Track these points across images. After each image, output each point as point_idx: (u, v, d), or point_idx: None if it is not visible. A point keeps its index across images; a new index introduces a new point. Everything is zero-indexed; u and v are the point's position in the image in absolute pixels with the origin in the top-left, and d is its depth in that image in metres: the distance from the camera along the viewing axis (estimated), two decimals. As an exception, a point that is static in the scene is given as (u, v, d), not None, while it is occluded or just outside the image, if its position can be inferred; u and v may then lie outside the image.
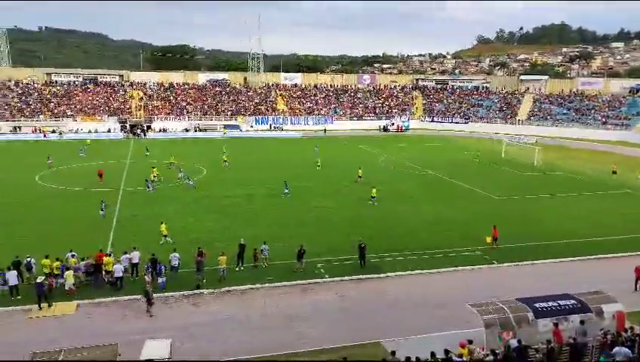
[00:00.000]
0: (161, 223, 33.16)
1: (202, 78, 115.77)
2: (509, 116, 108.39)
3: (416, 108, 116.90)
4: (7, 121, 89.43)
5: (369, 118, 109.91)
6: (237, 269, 27.95)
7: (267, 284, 26.41)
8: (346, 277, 27.55)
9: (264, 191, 47.00)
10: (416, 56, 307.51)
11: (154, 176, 49.37)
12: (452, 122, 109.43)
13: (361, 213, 40.16)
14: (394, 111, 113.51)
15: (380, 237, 33.68)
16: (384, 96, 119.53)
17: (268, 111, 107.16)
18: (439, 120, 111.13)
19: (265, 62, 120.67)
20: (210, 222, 37.47)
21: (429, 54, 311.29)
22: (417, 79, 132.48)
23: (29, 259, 26.08)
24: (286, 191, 45.19)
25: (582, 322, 18.89)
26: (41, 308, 23.08)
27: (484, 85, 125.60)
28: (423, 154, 72.17)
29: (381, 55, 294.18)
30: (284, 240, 32.42)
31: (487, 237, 32.54)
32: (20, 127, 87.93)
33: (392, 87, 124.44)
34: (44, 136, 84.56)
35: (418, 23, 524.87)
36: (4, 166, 56.81)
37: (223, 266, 26.87)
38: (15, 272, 24.41)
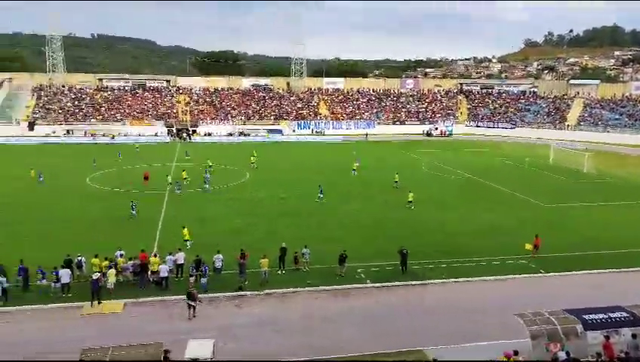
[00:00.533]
0: (183, 228, 33.34)
1: (246, 83, 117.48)
2: (557, 121, 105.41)
3: (461, 112, 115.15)
4: (60, 124, 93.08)
5: (412, 123, 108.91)
6: (279, 272, 28.18)
7: (307, 288, 26.52)
8: (386, 283, 27.38)
9: (303, 195, 47.18)
10: (461, 60, 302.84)
11: (183, 179, 50.33)
12: (498, 127, 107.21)
13: (399, 219, 39.82)
14: (437, 115, 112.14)
15: (421, 243, 33.24)
16: (427, 100, 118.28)
17: (310, 115, 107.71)
18: (484, 125, 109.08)
19: (307, 67, 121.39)
20: (252, 224, 37.87)
21: (474, 58, 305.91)
22: (462, 83, 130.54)
23: (79, 258, 27.05)
24: (320, 195, 45.23)
25: (634, 336, 18.14)
26: (92, 306, 23.87)
27: (532, 90, 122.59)
28: (467, 160, 70.98)
29: (425, 59, 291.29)
30: (324, 244, 32.42)
31: (527, 245, 31.64)
32: (72, 131, 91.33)
33: (436, 91, 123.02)
34: (94, 139, 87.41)
35: (464, 26, 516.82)
36: (58, 168, 59.04)
37: (265, 269, 27.15)
38: (68, 270, 25.33)
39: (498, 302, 24.84)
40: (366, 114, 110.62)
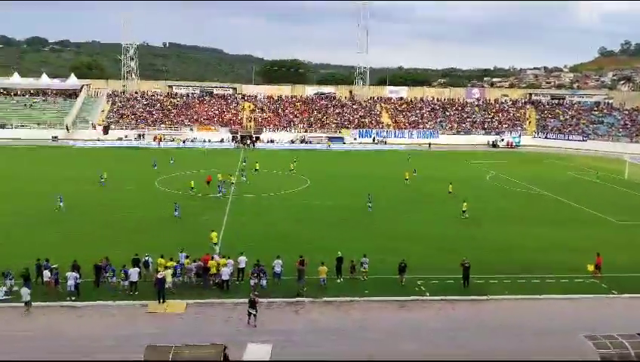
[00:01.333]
0: (212, 231, 34.03)
1: (309, 91, 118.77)
2: (634, 135, 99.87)
3: (529, 123, 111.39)
4: (132, 129, 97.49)
5: (477, 133, 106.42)
6: (337, 281, 28.19)
7: (366, 298, 26.37)
8: (446, 297, 26.80)
9: (360, 204, 47.05)
10: (530, 69, 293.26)
11: (221, 181, 51.67)
12: (568, 139, 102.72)
13: (459, 230, 38.98)
14: (504, 126, 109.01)
15: (484, 257, 32.29)
16: (494, 110, 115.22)
17: (372, 124, 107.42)
18: (554, 137, 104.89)
19: (371, 75, 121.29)
20: (310, 231, 38.15)
21: (544, 67, 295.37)
22: (531, 93, 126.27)
23: (146, 258, 28.14)
24: (369, 204, 44.86)
25: None
26: (158, 304, 24.77)
27: (607, 101, 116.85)
28: (535, 172, 68.45)
29: (492, 68, 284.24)
30: (382, 254, 32.15)
31: (588, 266, 30.01)
32: (143, 135, 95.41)
33: (503, 101, 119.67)
34: (158, 144, 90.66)
35: (535, 35, 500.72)
36: (130, 170, 61.80)
37: (323, 276, 27.26)
38: (137, 269, 26.43)
39: (565, 321, 23.76)
40: (429, 123, 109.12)
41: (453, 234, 38.03)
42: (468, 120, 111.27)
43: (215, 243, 33.39)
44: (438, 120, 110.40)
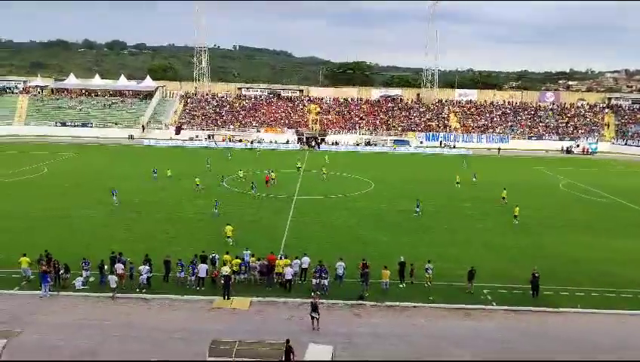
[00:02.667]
0: (227, 225, 35.04)
1: (376, 93, 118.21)
2: None
3: (607, 129, 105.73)
4: (203, 129, 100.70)
5: (550, 139, 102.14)
6: (400, 286, 27.87)
7: (429, 304, 25.91)
8: (514, 307, 25.87)
9: (423, 208, 46.33)
10: (609, 72, 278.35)
11: (239, 178, 54.62)
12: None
13: (526, 239, 37.51)
14: (579, 131, 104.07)
15: (555, 268, 30.98)
16: (569, 115, 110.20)
17: (439, 127, 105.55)
18: (635, 143, 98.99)
19: (439, 77, 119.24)
20: (371, 234, 37.92)
21: (625, 70, 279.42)
22: (610, 98, 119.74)
23: (213, 255, 28.97)
24: (417, 209, 44.00)
25: None
26: (223, 300, 25.43)
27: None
28: (613, 181, 64.82)
29: (567, 71, 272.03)
30: (446, 260, 31.57)
31: None
32: (213, 136, 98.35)
33: (579, 105, 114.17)
34: (216, 144, 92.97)
35: (616, 36, 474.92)
36: (200, 169, 63.76)
37: (386, 280, 27.03)
38: (205, 266, 27.27)
39: (643, 340, 22.34)
40: (499, 127, 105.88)
41: (521, 243, 36.69)
42: (541, 124, 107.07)
43: (229, 237, 34.18)
44: (509, 124, 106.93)
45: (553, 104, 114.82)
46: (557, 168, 74.92)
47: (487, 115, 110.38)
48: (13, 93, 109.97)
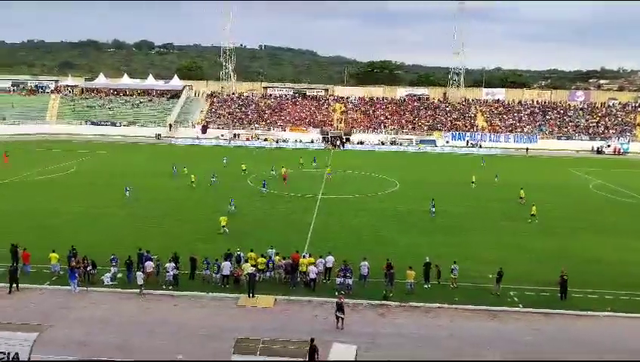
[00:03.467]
0: (222, 216, 37.00)
1: (401, 92, 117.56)
2: None
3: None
4: (229, 128, 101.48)
5: (580, 138, 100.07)
6: (425, 286, 27.64)
7: (455, 305, 25.64)
8: (541, 309, 25.41)
9: (447, 209, 45.87)
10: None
11: (242, 170, 56.92)
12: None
13: (553, 241, 36.79)
14: (611, 131, 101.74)
15: (584, 270, 30.30)
16: (600, 114, 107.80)
17: (466, 127, 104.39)
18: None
19: (466, 76, 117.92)
20: (395, 234, 37.74)
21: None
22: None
23: (238, 253, 29.16)
24: (432, 209, 43.69)
25: None
26: (248, 298, 25.60)
27: None
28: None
29: (598, 70, 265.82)
30: (470, 261, 31.20)
31: None
32: (238, 135, 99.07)
33: (611, 104, 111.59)
34: (228, 142, 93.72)
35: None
36: (227, 168, 64.27)
37: (411, 281, 26.84)
38: (229, 263, 27.48)
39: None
40: (528, 127, 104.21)
41: (548, 244, 36.04)
42: (570, 124, 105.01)
43: (223, 226, 36.01)
44: (538, 124, 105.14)
45: (583, 103, 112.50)
46: (587, 169, 73.34)
47: (515, 114, 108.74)
48: (45, 92, 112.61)
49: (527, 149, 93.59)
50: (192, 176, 53.77)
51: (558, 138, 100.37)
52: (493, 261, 30.26)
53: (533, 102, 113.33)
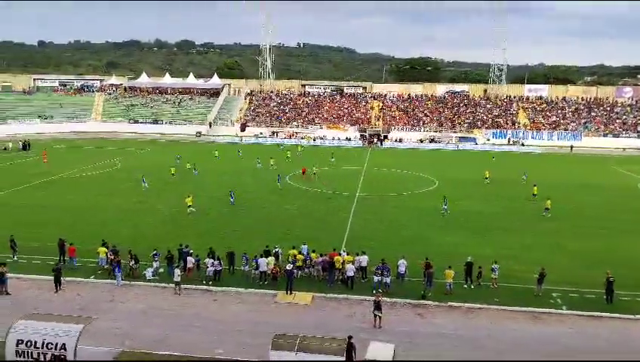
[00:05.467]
0: (188, 196, 41.39)
1: (441, 89, 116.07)
2: None
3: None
4: (267, 126, 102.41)
5: (628, 136, 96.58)
6: (465, 286, 27.26)
7: (495, 306, 25.18)
8: (585, 312, 24.66)
9: (485, 208, 45.01)
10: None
11: (270, 165, 58.51)
12: None
13: (597, 243, 35.63)
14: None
15: (633, 272, 29.28)
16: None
17: (507, 124, 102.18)
18: None
19: (508, 73, 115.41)
20: (434, 232, 37.35)
21: None
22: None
23: (276, 249, 29.41)
24: (444, 207, 42.92)
25: None
26: (286, 295, 25.83)
27: None
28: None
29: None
30: (511, 261, 30.59)
31: None
32: (277, 133, 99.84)
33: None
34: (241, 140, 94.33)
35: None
36: (277, 167, 64.97)
37: (449, 281, 26.50)
38: (265, 260, 27.72)
39: None
40: (572, 124, 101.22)
41: (592, 245, 34.93)
42: (617, 121, 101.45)
43: (190, 206, 40.32)
44: (582, 121, 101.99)
45: (632, 99, 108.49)
46: (635, 168, 70.71)
47: (559, 111, 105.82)
48: (90, 91, 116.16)
49: (571, 147, 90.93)
50: (172, 169, 56.32)
51: (604, 135, 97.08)
52: (535, 261, 29.58)
53: (577, 98, 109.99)
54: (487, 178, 56.85)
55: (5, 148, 73.82)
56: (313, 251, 28.95)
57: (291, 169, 61.81)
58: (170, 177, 54.66)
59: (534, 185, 49.37)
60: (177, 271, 26.30)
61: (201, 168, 59.51)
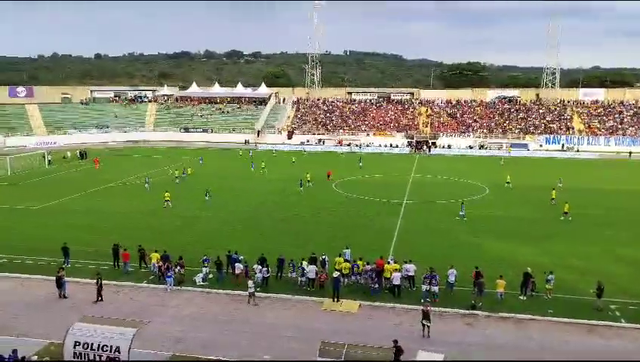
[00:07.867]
0: (166, 192, 46.11)
1: (491, 94, 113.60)
2: None
3: None
4: (314, 134, 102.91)
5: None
6: (520, 298, 26.46)
7: (548, 317, 24.33)
8: (648, 325, 23.50)
9: (537, 215, 43.59)
10: None
11: (307, 181, 56.33)
12: None
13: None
14: None
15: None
16: None
17: (561, 130, 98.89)
18: None
19: (561, 76, 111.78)
20: (484, 241, 36.49)
21: None
22: None
23: (323, 257, 29.45)
24: (461, 213, 42.41)
25: None
26: (334, 301, 25.83)
27: None
28: None
29: None
30: (567, 271, 29.50)
31: None
32: (323, 140, 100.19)
33: None
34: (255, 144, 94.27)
35: None
36: (316, 174, 65.35)
37: (501, 291, 25.82)
38: (314, 267, 27.81)
39: None
40: (630, 129, 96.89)
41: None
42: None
43: (167, 200, 44.65)
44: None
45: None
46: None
47: (617, 115, 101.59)
48: (143, 101, 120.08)
49: (629, 153, 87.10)
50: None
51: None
52: (591, 271, 28.50)
53: (636, 102, 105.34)
54: (508, 182, 56.67)
55: (65, 157, 77.34)
56: (360, 259, 28.83)
57: (340, 175, 61.83)
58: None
59: (553, 189, 49.09)
60: (250, 283, 26.16)
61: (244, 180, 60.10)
